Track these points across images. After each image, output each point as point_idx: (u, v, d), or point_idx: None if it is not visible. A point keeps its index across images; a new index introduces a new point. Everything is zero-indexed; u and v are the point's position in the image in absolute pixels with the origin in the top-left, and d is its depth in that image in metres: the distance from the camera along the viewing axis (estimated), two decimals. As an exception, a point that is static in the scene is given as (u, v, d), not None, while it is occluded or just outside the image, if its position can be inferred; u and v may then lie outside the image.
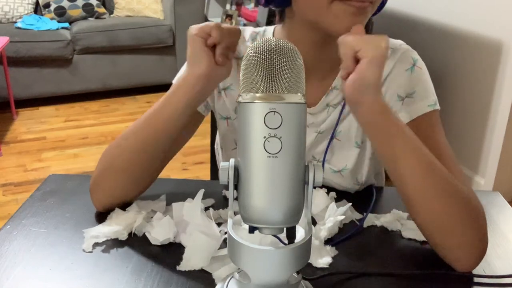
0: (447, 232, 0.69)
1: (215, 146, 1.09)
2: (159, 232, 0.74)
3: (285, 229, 0.53)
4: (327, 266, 0.70)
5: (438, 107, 0.85)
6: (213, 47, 0.74)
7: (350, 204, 0.82)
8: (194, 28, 0.74)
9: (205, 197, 0.79)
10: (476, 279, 0.69)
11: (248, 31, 0.93)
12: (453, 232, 0.69)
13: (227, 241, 0.54)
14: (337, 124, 0.89)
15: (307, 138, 0.61)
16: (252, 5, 3.91)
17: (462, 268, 0.69)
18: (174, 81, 0.89)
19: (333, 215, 0.79)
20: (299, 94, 0.51)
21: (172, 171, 2.49)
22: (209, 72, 0.74)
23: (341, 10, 0.74)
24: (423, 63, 0.89)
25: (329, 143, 0.89)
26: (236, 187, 0.53)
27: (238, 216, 0.55)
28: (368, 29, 2.39)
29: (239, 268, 0.56)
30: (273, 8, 0.83)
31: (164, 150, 0.81)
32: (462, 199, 0.70)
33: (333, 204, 0.81)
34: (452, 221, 0.68)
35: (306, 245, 0.53)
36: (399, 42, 0.90)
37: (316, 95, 0.88)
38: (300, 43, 0.64)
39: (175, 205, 0.77)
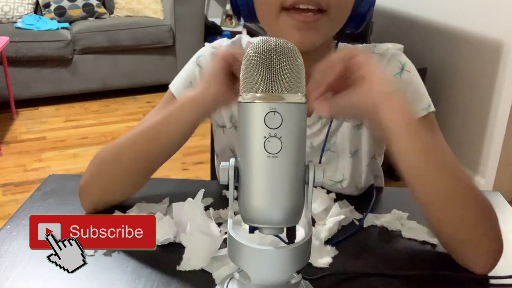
0: (467, 238, 0.68)
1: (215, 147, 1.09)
2: (159, 232, 0.74)
3: (285, 229, 0.53)
4: (327, 266, 0.70)
5: (432, 108, 0.83)
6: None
7: (353, 207, 0.82)
8: (223, 51, 0.71)
9: (205, 197, 0.79)
10: (476, 280, 0.69)
11: (244, 40, 0.92)
12: (473, 237, 0.68)
13: (227, 241, 0.54)
14: (327, 137, 0.86)
15: None
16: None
17: (481, 270, 0.68)
18: (173, 89, 0.89)
19: (333, 215, 0.79)
20: (299, 94, 0.51)
21: (172, 171, 2.49)
22: (222, 94, 0.70)
23: (287, 24, 0.73)
24: (412, 65, 0.86)
25: (321, 156, 0.86)
26: (236, 187, 0.53)
27: (238, 216, 0.55)
28: (368, 35, 2.39)
29: (239, 268, 0.56)
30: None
31: (162, 160, 0.81)
32: (479, 201, 0.68)
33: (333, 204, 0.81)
34: (473, 226, 0.67)
35: (306, 245, 0.53)
36: (385, 46, 0.87)
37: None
38: None
39: (175, 205, 0.77)
